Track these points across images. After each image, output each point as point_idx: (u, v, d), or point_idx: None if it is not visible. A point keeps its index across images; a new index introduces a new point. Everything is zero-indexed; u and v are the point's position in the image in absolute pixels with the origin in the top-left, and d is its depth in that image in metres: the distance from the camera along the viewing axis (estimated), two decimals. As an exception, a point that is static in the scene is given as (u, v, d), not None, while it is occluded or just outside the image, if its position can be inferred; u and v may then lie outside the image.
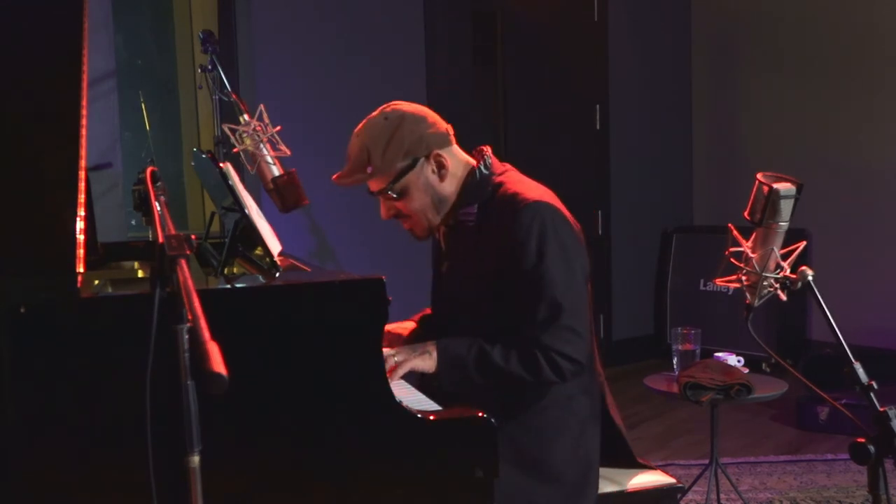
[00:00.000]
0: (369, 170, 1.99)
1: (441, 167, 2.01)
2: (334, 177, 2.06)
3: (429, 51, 4.64)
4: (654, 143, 5.69)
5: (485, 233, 2.00)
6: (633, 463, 2.14)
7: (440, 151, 2.01)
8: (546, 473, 1.92)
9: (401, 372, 1.92)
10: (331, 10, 4.31)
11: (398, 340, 2.20)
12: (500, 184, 2.03)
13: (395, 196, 2.01)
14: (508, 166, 2.10)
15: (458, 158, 2.05)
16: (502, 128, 5.31)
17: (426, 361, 1.94)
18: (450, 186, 2.03)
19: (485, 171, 2.03)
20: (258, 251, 2.04)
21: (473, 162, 2.06)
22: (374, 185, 2.02)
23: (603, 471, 2.10)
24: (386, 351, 1.96)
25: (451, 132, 2.06)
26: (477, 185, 2.03)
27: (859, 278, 5.08)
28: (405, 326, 2.28)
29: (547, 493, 1.92)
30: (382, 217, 2.07)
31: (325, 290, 1.70)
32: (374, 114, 2.04)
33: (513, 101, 5.31)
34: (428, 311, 2.36)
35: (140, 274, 2.44)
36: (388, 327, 2.23)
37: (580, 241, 2.00)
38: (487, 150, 2.09)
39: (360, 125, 2.05)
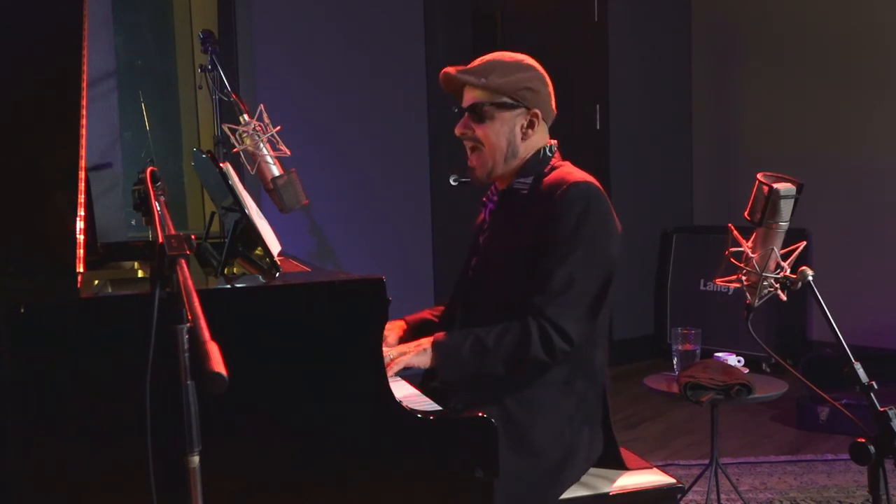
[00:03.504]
0: (482, 80, 2.07)
1: (531, 126, 2.11)
2: (449, 69, 2.13)
3: (429, 51, 4.64)
4: (654, 143, 5.69)
5: (533, 204, 2.06)
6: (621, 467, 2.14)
7: (540, 115, 2.11)
8: (527, 448, 1.94)
9: (396, 368, 1.92)
10: (331, 10, 4.31)
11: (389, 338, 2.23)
12: (557, 166, 2.13)
13: (482, 116, 2.09)
14: (568, 162, 2.18)
15: (543, 135, 2.16)
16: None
17: (421, 357, 1.95)
18: (525, 150, 2.12)
19: (549, 153, 2.15)
20: (258, 251, 2.04)
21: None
22: (472, 96, 2.10)
23: (602, 471, 2.10)
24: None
25: (554, 116, 2.18)
26: (539, 161, 2.13)
27: (859, 278, 5.09)
28: (397, 325, 2.29)
29: (524, 466, 1.93)
30: (456, 131, 2.15)
31: (324, 290, 1.70)
32: (521, 55, 2.15)
33: (513, 101, 5.30)
34: (423, 313, 2.37)
35: (140, 274, 2.43)
36: None
37: (617, 234, 2.05)
38: (555, 143, 2.18)
39: (502, 53, 2.14)
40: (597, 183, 2.06)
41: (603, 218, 2.01)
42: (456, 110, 2.17)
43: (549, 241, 1.98)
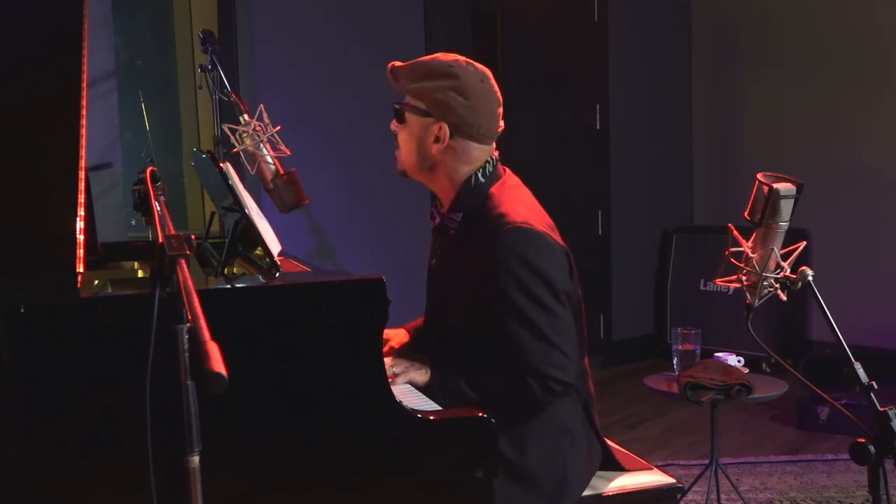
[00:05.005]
0: (401, 81, 2.01)
1: (438, 139, 1.96)
2: (394, 63, 2.07)
3: (429, 51, 4.63)
4: (654, 143, 5.69)
5: (467, 246, 1.98)
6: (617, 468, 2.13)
7: (450, 131, 1.96)
8: (522, 478, 1.91)
9: (400, 382, 1.93)
10: (331, 10, 4.31)
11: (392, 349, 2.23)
12: (491, 196, 1.98)
13: (399, 116, 2.03)
14: (508, 172, 2.06)
15: (469, 154, 1.99)
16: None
17: (423, 377, 1.96)
18: (446, 166, 1.99)
19: (481, 178, 2.00)
20: (258, 251, 2.04)
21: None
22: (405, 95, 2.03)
23: (602, 471, 2.10)
24: (385, 360, 1.97)
25: (493, 134, 2.00)
26: (468, 193, 1.99)
27: (859, 278, 5.08)
28: (398, 333, 2.29)
29: (522, 496, 1.90)
30: (391, 126, 2.06)
31: (324, 290, 1.70)
32: (464, 61, 1.98)
33: (513, 101, 5.30)
34: (420, 320, 2.35)
35: (140, 274, 2.43)
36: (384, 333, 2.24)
37: (561, 262, 1.94)
38: (495, 153, 2.04)
39: (446, 54, 2.02)
40: (529, 214, 1.92)
41: (543, 257, 1.89)
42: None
43: (500, 296, 1.87)
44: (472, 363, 1.96)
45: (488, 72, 2.00)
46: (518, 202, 1.97)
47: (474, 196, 1.99)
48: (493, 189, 1.99)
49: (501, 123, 2.02)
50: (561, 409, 1.98)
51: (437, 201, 2.15)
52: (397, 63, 2.04)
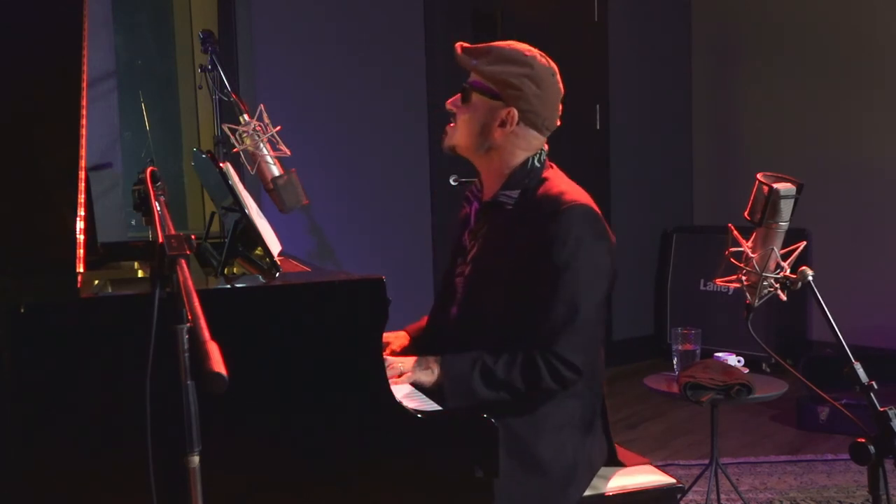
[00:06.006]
0: (473, 62, 2.02)
1: (504, 124, 2.01)
2: (461, 44, 2.07)
3: (429, 51, 4.64)
4: (654, 143, 5.69)
5: (523, 222, 2.00)
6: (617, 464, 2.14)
7: (518, 117, 2.00)
8: (532, 465, 1.93)
9: (403, 381, 1.93)
10: (331, 11, 4.31)
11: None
12: (546, 179, 2.04)
13: (466, 96, 2.04)
14: (555, 166, 2.11)
15: (530, 142, 2.05)
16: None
17: (429, 377, 1.96)
18: (504, 151, 2.03)
19: (537, 163, 2.05)
20: (258, 251, 2.04)
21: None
22: (469, 76, 2.05)
23: (602, 471, 2.10)
24: (390, 358, 1.97)
25: (552, 127, 2.07)
26: (526, 173, 2.04)
27: (859, 278, 5.08)
28: (398, 336, 2.28)
29: (530, 483, 1.92)
30: (446, 103, 2.08)
31: (324, 290, 1.70)
32: (538, 53, 2.05)
33: (513, 101, 5.30)
34: (422, 322, 2.34)
35: (140, 274, 2.43)
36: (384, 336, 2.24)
37: (612, 254, 1.99)
38: (545, 146, 2.10)
39: (521, 43, 2.06)
40: (590, 201, 1.98)
41: (600, 240, 1.96)
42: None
43: (546, 269, 1.91)
44: (497, 346, 1.95)
45: (556, 67, 2.07)
46: (573, 186, 2.02)
47: (531, 177, 2.04)
48: (546, 174, 2.05)
49: (558, 120, 2.08)
50: (581, 403, 2.01)
51: (474, 187, 2.18)
52: (466, 44, 2.06)
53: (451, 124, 2.09)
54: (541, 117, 2.02)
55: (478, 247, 2.10)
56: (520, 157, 2.05)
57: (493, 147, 2.04)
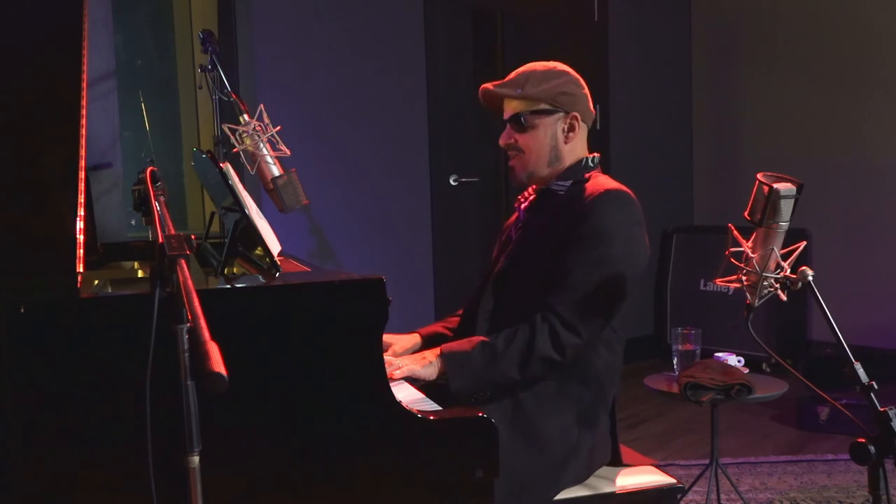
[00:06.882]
0: (519, 91, 2.14)
1: (571, 129, 2.15)
2: (487, 84, 2.19)
3: (429, 51, 4.64)
4: (654, 144, 5.69)
5: (569, 206, 2.08)
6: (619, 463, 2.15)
7: (579, 117, 2.15)
8: (534, 440, 1.95)
9: (399, 375, 1.94)
10: (331, 10, 4.31)
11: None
12: (595, 175, 2.17)
13: (522, 126, 2.14)
14: (609, 176, 2.21)
15: (582, 140, 2.20)
16: (502, 127, 5.32)
17: (427, 369, 1.97)
18: (569, 155, 2.17)
19: (591, 163, 2.19)
20: (258, 251, 2.04)
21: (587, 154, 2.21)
22: (511, 108, 2.17)
23: (602, 471, 2.10)
24: (389, 358, 1.99)
25: (593, 117, 2.21)
26: (580, 169, 2.17)
27: (859, 278, 5.09)
28: (404, 338, 2.29)
29: (529, 459, 1.94)
30: (500, 142, 2.21)
31: (324, 290, 1.70)
32: (551, 62, 2.19)
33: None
34: (436, 326, 2.36)
35: (140, 274, 2.43)
36: (389, 337, 2.25)
37: (646, 247, 2.10)
38: (598, 155, 2.23)
39: (539, 62, 2.19)
40: (631, 192, 2.09)
41: (630, 220, 2.05)
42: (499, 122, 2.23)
43: (574, 239, 2.00)
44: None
45: None
46: (621, 185, 2.12)
47: (583, 171, 2.17)
48: (598, 174, 2.19)
49: None
50: (590, 393, 2.04)
51: (527, 192, 2.29)
52: (495, 82, 2.18)
53: (513, 159, 2.19)
54: (589, 113, 2.19)
55: (519, 235, 2.18)
56: (579, 154, 2.18)
57: (562, 155, 2.16)
